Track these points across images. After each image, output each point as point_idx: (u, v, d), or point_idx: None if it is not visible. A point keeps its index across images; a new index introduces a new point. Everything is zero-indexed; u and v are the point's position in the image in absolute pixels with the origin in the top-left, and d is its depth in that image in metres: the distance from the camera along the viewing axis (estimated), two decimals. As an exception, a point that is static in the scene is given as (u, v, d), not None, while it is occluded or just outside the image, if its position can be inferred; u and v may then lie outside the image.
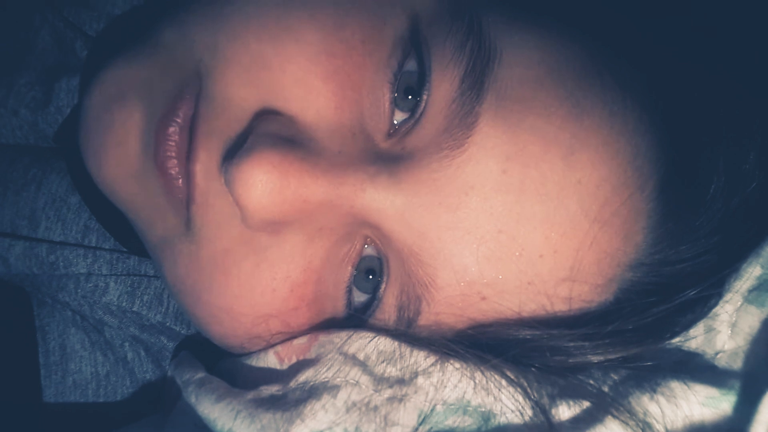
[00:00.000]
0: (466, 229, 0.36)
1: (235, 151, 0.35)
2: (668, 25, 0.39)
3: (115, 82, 0.38)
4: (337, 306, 0.40)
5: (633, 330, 0.37)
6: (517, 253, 0.36)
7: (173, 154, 0.37)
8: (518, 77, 0.36)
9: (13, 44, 0.47)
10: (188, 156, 0.37)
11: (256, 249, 0.37)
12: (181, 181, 0.37)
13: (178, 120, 0.37)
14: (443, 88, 0.36)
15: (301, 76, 0.36)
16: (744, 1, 0.42)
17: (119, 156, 0.38)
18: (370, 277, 0.39)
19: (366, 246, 0.39)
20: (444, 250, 0.36)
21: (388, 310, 0.38)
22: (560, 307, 0.37)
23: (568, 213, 0.35)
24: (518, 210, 0.35)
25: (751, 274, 0.39)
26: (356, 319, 0.39)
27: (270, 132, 0.35)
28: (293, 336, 0.40)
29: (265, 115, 0.36)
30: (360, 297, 0.39)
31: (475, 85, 0.36)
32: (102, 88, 0.38)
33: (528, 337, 0.37)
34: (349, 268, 0.39)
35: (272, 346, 0.40)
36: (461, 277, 0.36)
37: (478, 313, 0.37)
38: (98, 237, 0.46)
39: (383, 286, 0.38)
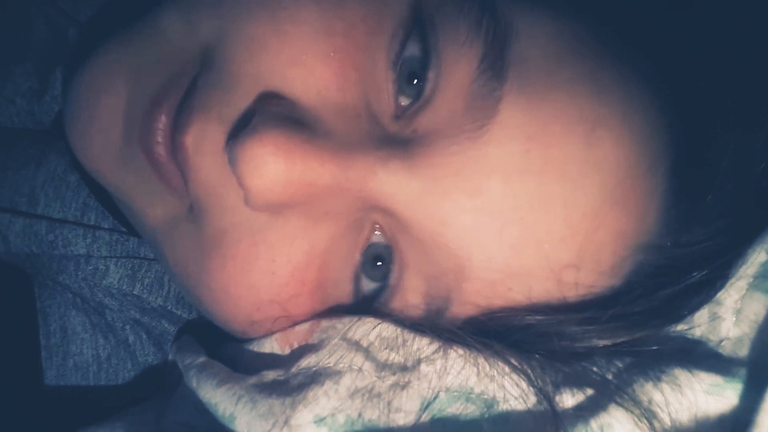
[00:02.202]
0: (489, 215, 0.35)
1: (238, 132, 0.34)
2: (678, 9, 0.39)
3: (104, 65, 0.38)
4: (342, 293, 0.39)
5: (640, 312, 0.37)
6: (541, 238, 0.35)
7: (161, 138, 0.36)
8: (539, 52, 0.35)
9: (10, 37, 0.47)
10: (180, 130, 0.36)
11: (254, 230, 0.37)
12: (171, 164, 0.36)
13: (171, 101, 0.36)
14: (460, 68, 0.35)
15: (300, 55, 0.36)
16: None
17: (105, 143, 0.37)
18: (378, 264, 0.38)
19: (376, 232, 0.38)
20: (468, 238, 0.35)
21: (411, 300, 0.38)
22: (573, 290, 0.36)
23: (588, 194, 0.35)
24: (541, 192, 0.34)
25: (755, 260, 0.38)
26: (362, 306, 0.39)
27: (273, 113, 0.35)
28: (295, 323, 0.39)
29: (268, 97, 0.36)
30: (369, 285, 0.39)
31: (496, 63, 0.35)
32: (90, 72, 0.38)
33: (537, 322, 0.36)
34: (357, 254, 0.38)
35: (273, 333, 0.40)
36: (488, 266, 0.35)
37: (498, 301, 0.37)
38: (97, 215, 0.46)
39: (393, 273, 0.38)
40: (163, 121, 0.36)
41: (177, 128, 0.36)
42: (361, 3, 0.36)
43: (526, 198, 0.35)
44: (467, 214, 0.35)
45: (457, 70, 0.35)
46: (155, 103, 0.36)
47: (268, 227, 0.37)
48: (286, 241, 0.37)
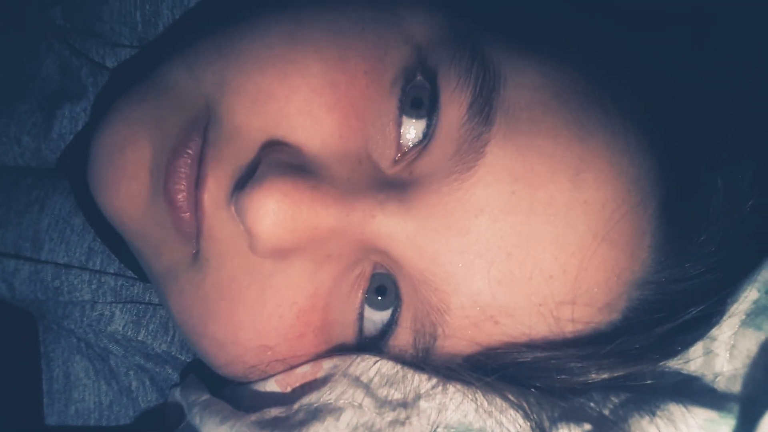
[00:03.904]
0: (477, 253, 0.36)
1: (245, 181, 0.36)
2: (664, 49, 0.41)
3: (124, 120, 0.39)
4: (346, 333, 0.40)
5: (639, 347, 0.37)
6: (528, 275, 0.36)
7: (182, 186, 0.37)
8: (525, 100, 0.37)
9: (18, 73, 0.48)
10: (197, 185, 0.37)
11: (261, 276, 0.38)
12: (189, 213, 0.37)
13: (189, 152, 0.37)
14: (451, 113, 0.37)
15: (306, 106, 0.37)
16: (739, 24, 0.43)
17: (130, 192, 0.38)
18: (379, 298, 0.39)
19: (374, 272, 0.39)
20: (456, 274, 0.36)
21: (403, 337, 0.38)
22: (568, 327, 0.37)
23: (576, 233, 0.36)
24: (527, 231, 0.36)
25: (747, 297, 0.39)
26: (365, 344, 0.39)
27: (280, 161, 0.36)
28: (298, 364, 0.40)
29: (274, 145, 0.37)
30: (373, 321, 0.39)
31: (484, 108, 0.36)
32: (112, 126, 0.39)
33: (535, 358, 0.37)
34: (359, 294, 0.39)
35: (275, 375, 0.40)
36: (475, 302, 0.36)
37: (489, 337, 0.37)
38: (102, 259, 0.46)
39: (399, 311, 0.38)
40: (185, 172, 0.37)
41: (195, 183, 0.37)
42: (363, 56, 0.38)
43: (513, 237, 0.36)
44: (456, 252, 0.36)
45: (449, 114, 0.37)
46: (175, 154, 0.37)
47: (274, 273, 0.38)
48: (292, 285, 0.38)
